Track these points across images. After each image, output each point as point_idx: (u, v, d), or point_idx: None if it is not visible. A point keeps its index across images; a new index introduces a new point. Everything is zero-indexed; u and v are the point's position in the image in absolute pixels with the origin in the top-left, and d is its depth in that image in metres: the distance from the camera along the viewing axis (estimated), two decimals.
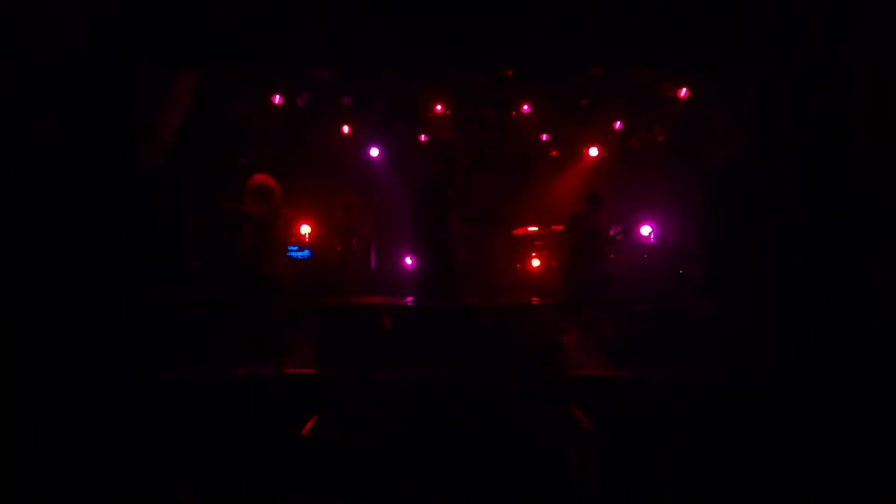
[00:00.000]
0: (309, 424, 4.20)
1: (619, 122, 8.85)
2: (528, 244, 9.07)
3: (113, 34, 4.93)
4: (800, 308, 4.77)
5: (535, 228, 9.19)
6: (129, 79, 5.04)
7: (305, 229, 8.35)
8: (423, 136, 8.98)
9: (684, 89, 7.36)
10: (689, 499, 3.91)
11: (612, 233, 7.50)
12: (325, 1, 5.17)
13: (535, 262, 8.98)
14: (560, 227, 8.13)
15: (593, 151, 9.50)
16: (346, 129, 9.02)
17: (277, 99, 7.93)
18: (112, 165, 4.89)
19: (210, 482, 3.99)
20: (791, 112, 4.97)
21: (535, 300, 6.22)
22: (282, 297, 5.87)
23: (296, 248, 8.21)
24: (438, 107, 8.26)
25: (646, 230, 9.04)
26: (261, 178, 6.17)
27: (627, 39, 5.13)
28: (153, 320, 4.99)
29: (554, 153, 9.67)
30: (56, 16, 4.70)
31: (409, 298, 6.15)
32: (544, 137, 9.36)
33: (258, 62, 5.93)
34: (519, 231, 9.20)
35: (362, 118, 8.86)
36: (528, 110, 8.39)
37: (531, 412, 4.50)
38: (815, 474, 4.02)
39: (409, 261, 8.68)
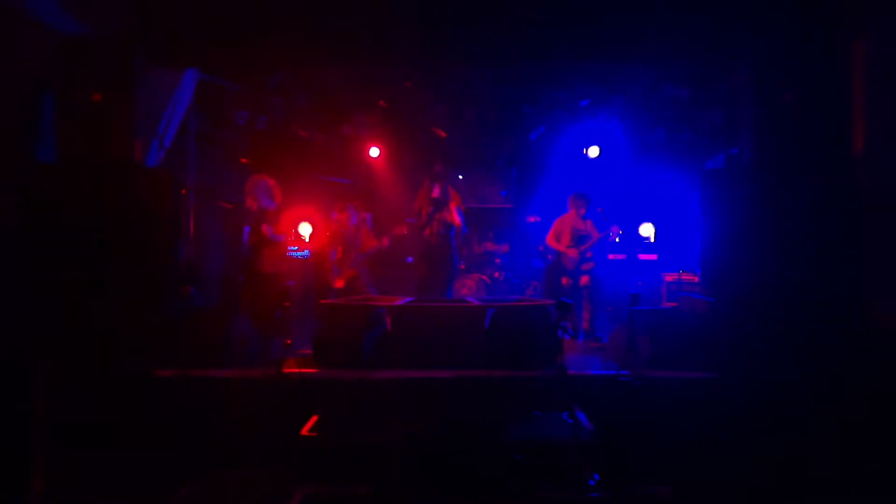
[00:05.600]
0: (309, 424, 4.19)
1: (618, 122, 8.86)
2: None
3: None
4: (799, 309, 4.75)
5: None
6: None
7: (306, 229, 8.35)
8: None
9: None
10: (688, 498, 3.91)
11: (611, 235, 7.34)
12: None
13: None
14: None
15: (593, 151, 9.46)
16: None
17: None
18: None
19: (210, 482, 3.99)
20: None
21: (535, 300, 6.21)
22: (282, 295, 5.87)
23: (296, 248, 8.23)
24: None
25: (646, 230, 9.01)
26: (260, 178, 6.19)
27: None
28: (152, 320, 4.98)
29: None
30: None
31: (409, 298, 6.15)
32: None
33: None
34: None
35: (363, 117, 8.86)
36: None
37: (531, 412, 4.50)
38: (815, 474, 4.02)
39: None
